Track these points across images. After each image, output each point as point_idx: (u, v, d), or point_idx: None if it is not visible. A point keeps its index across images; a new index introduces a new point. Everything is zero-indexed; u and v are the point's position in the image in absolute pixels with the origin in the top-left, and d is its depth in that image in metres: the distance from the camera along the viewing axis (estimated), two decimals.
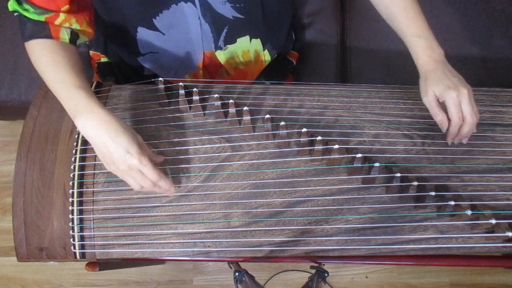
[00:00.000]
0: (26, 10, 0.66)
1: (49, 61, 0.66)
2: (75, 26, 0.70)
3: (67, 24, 0.69)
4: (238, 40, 0.82)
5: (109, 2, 0.73)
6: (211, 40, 0.80)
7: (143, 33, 0.79)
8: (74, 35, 0.71)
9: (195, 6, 0.74)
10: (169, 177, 0.68)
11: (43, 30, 0.67)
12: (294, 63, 1.04)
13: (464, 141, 0.70)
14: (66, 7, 0.68)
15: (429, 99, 0.68)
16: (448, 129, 0.68)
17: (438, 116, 0.67)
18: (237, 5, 0.75)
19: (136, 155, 0.60)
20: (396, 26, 0.73)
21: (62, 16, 0.68)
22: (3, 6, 1.14)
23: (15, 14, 0.68)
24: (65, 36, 0.69)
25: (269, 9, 0.81)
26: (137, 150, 0.61)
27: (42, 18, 0.67)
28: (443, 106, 0.67)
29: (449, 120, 0.67)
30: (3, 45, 1.12)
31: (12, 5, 0.67)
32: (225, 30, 0.79)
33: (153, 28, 0.77)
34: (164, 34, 0.79)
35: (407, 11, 0.72)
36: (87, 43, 0.99)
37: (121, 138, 0.60)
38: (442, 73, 0.67)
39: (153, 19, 0.75)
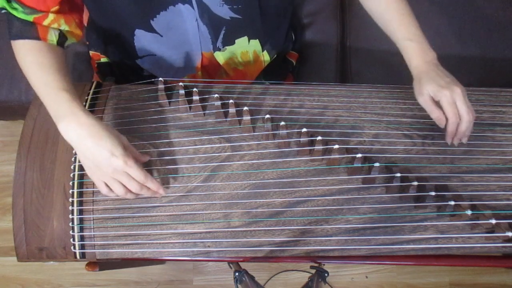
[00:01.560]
0: (14, 8, 0.66)
1: (34, 62, 0.65)
2: (64, 27, 0.70)
3: (55, 25, 0.68)
4: (236, 41, 0.82)
5: (106, 4, 0.73)
6: (209, 42, 0.80)
7: (140, 35, 0.78)
8: (62, 37, 0.70)
9: (193, 7, 0.74)
10: (157, 178, 0.68)
11: (30, 31, 0.66)
12: (294, 63, 1.04)
13: (464, 140, 0.70)
14: (55, 7, 0.67)
15: (424, 99, 0.68)
16: (446, 129, 0.68)
17: (435, 113, 0.68)
18: (234, 7, 0.75)
19: (121, 157, 0.60)
20: (390, 31, 0.75)
21: (51, 17, 0.67)
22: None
23: (3, 11, 0.67)
24: (52, 38, 0.68)
25: (267, 10, 0.81)
26: (122, 152, 0.60)
27: (30, 18, 0.66)
28: (438, 106, 0.68)
29: (446, 119, 0.67)
30: (3, 45, 1.12)
31: (0, 2, 0.66)
32: (223, 31, 0.79)
33: (151, 30, 0.77)
34: (162, 36, 0.78)
35: (401, 17, 0.74)
36: (87, 43, 0.99)
37: (105, 141, 0.60)
38: (435, 74, 0.68)
39: (151, 21, 0.75)
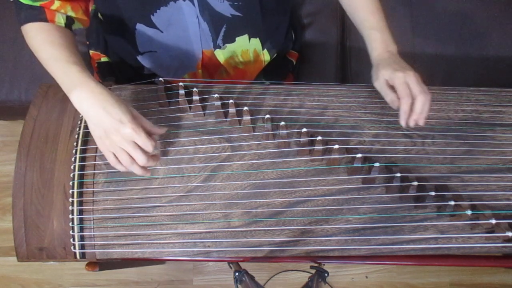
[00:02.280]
0: None
1: (44, 40, 0.67)
2: (70, 13, 0.71)
3: (62, 11, 0.70)
4: (237, 39, 0.82)
5: None
6: (209, 39, 0.80)
7: (141, 30, 0.79)
8: (69, 20, 0.72)
9: (193, 4, 0.74)
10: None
11: (38, 14, 0.68)
12: (294, 62, 1.04)
13: (421, 122, 0.67)
14: None
15: (379, 82, 0.69)
16: (399, 110, 0.67)
17: (389, 96, 0.68)
18: (235, 3, 0.75)
19: (129, 124, 0.61)
20: (355, 19, 0.78)
21: (57, 3, 0.69)
22: (3, 6, 1.14)
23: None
24: (60, 20, 0.70)
25: (267, 7, 0.81)
26: (130, 119, 0.61)
27: (37, 3, 0.68)
28: (394, 90, 0.68)
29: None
30: (3, 45, 1.12)
31: None
32: (223, 29, 0.79)
33: (152, 25, 0.77)
34: (162, 32, 0.79)
35: (368, 6, 0.76)
36: (87, 42, 0.99)
37: (115, 108, 0.61)
38: (392, 61, 0.70)
39: (151, 16, 0.76)
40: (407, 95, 0.66)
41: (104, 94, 0.61)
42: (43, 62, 0.66)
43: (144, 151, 0.62)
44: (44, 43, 0.67)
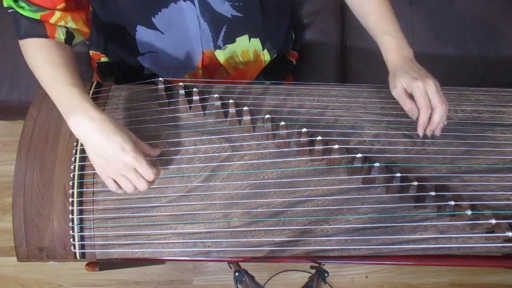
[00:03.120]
0: (21, 7, 0.66)
1: (43, 59, 0.65)
2: (71, 24, 0.70)
3: (62, 23, 0.68)
4: (237, 39, 0.82)
5: (109, 1, 0.73)
6: (210, 40, 0.80)
7: (142, 32, 0.79)
8: (69, 35, 0.71)
9: (194, 5, 0.74)
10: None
11: (38, 29, 0.67)
12: (294, 62, 1.04)
13: (437, 132, 0.68)
14: (62, 5, 0.67)
15: (398, 91, 0.68)
16: (418, 120, 0.68)
17: (407, 105, 0.68)
18: (236, 4, 0.75)
19: (131, 152, 0.60)
20: (368, 24, 0.76)
21: (57, 14, 0.67)
22: (3, 7, 1.14)
23: (10, 10, 0.67)
24: (60, 36, 0.69)
25: (268, 8, 0.81)
26: (132, 148, 0.60)
27: (37, 15, 0.66)
28: (412, 99, 0.67)
29: (418, 110, 0.67)
30: (3, 45, 1.12)
31: (6, 1, 0.66)
32: (223, 29, 0.79)
33: (152, 27, 0.77)
34: (163, 33, 0.79)
35: (380, 10, 0.75)
36: (87, 42, 0.99)
37: (116, 136, 0.60)
38: (409, 68, 0.68)
39: (152, 18, 0.76)
40: (427, 106, 0.65)
41: (105, 121, 0.60)
42: (41, 82, 0.65)
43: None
44: (43, 61, 0.65)
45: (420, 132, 0.69)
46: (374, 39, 0.75)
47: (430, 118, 0.67)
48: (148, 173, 0.61)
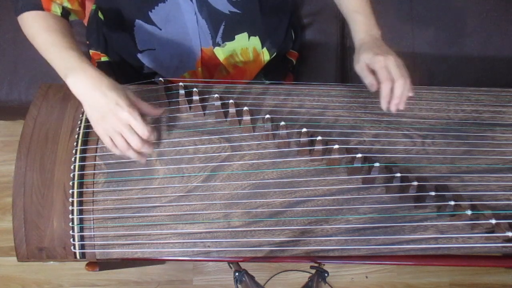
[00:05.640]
0: None
1: (41, 26, 0.67)
2: (66, 4, 0.71)
3: (58, 1, 0.70)
4: (236, 37, 0.82)
5: None
6: (208, 37, 0.80)
7: (140, 27, 0.79)
8: (65, 11, 0.72)
9: (191, 0, 0.74)
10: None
11: (34, 2, 0.68)
12: (294, 62, 1.04)
13: (401, 106, 0.67)
14: None
15: (360, 65, 0.69)
16: (380, 94, 0.67)
17: (368, 78, 0.68)
18: (233, 0, 0.75)
19: (126, 107, 0.61)
20: (342, 5, 0.77)
21: None
22: (3, 6, 1.14)
23: None
24: (56, 9, 0.70)
25: (267, 6, 0.81)
26: (127, 103, 0.61)
27: None
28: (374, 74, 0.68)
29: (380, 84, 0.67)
30: (3, 45, 1.12)
31: None
32: (222, 26, 0.79)
33: (150, 21, 0.77)
34: (160, 29, 0.79)
35: None
36: (87, 42, 0.99)
37: (111, 92, 0.61)
38: (374, 44, 0.69)
39: (149, 12, 0.76)
40: (387, 79, 0.66)
41: (101, 77, 0.62)
42: (40, 48, 0.66)
43: (140, 136, 0.63)
44: (41, 29, 0.67)
45: (383, 105, 0.68)
46: (345, 16, 0.76)
47: (392, 92, 0.66)
48: (142, 129, 0.62)
